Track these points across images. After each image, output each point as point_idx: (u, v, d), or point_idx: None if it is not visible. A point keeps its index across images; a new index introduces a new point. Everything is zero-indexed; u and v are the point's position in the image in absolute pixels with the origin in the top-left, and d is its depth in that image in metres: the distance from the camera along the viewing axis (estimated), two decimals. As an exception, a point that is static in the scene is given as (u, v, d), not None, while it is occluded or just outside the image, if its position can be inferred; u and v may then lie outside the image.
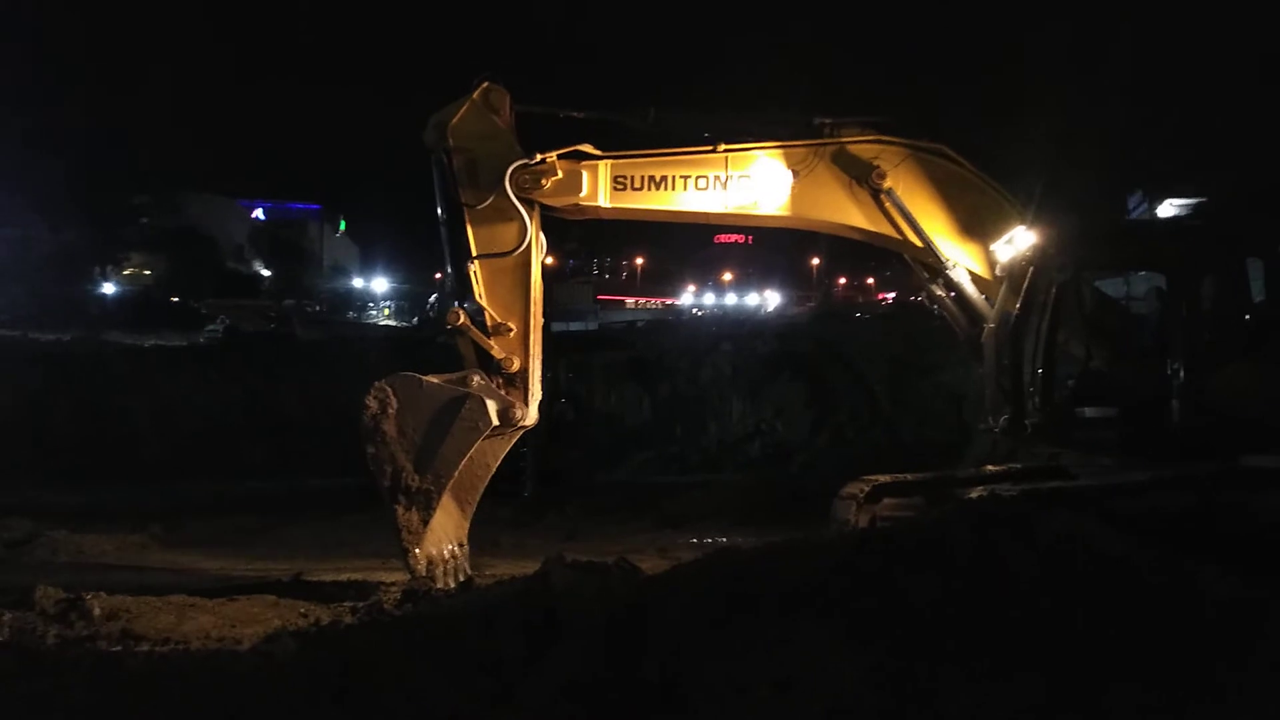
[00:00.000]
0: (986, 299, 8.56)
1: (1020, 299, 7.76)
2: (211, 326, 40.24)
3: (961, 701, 3.46)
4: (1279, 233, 7.82)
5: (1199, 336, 7.57)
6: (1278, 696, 3.39)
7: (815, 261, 72.88)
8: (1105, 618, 3.97)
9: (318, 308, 59.10)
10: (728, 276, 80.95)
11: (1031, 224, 8.15)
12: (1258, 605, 4.14)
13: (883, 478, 7.40)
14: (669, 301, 76.53)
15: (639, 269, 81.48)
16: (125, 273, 56.85)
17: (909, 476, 7.63)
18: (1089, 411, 7.66)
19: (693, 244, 77.58)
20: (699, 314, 61.26)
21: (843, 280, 77.87)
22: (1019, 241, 8.14)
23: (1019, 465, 7.85)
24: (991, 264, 8.61)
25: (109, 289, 51.50)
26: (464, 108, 8.35)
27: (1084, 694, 3.45)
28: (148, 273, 57.34)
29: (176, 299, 49.74)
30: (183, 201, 62.78)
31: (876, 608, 4.10)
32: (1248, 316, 7.82)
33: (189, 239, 58.44)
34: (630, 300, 76.84)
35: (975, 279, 8.67)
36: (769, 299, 71.09)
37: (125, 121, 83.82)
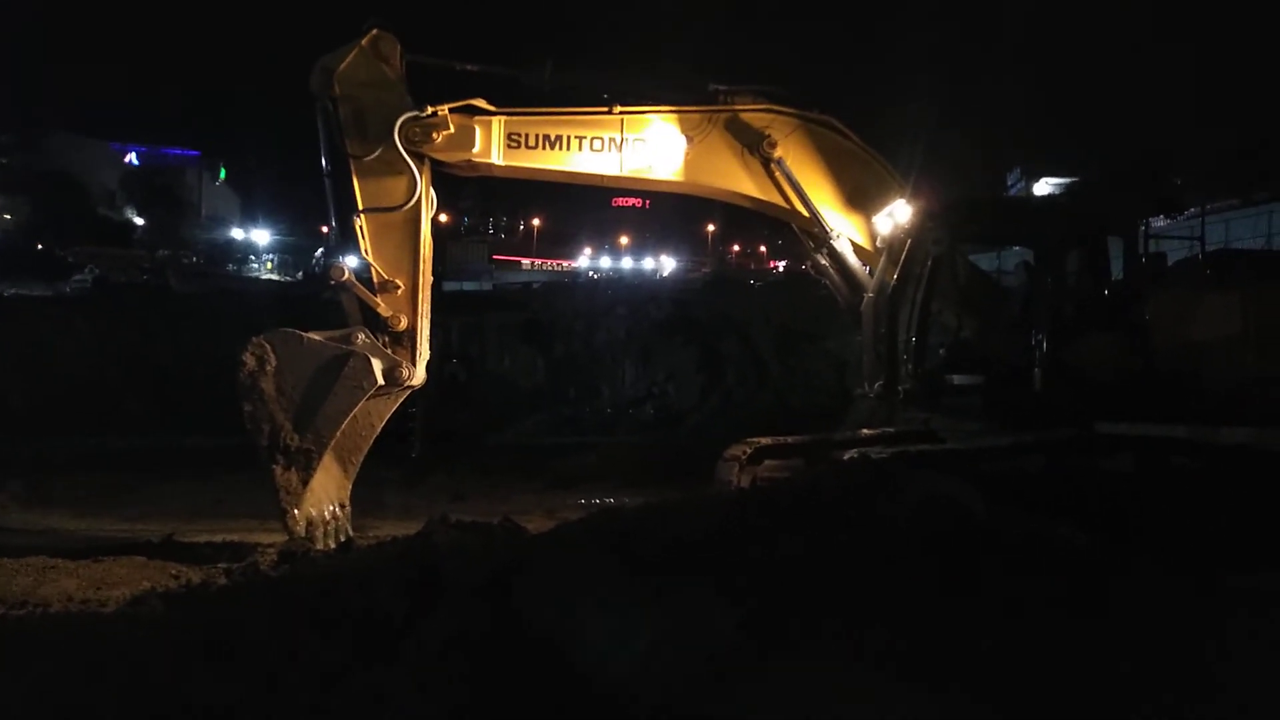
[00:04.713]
0: (867, 269, 8.83)
1: (898, 270, 8.03)
2: (79, 276, 37.89)
3: (832, 650, 3.63)
4: (1137, 213, 8.28)
5: (1062, 309, 8.00)
6: (1121, 639, 3.68)
7: (710, 228, 73.64)
8: (966, 571, 4.22)
9: (195, 259, 56.40)
10: (624, 240, 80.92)
11: (911, 197, 8.43)
12: (1103, 557, 4.48)
13: (764, 440, 7.59)
14: (566, 263, 76.06)
15: (536, 230, 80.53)
16: (-18, 216, 53.15)
17: (789, 439, 7.87)
18: (958, 378, 8.01)
19: (590, 206, 77.08)
20: (595, 277, 61.14)
21: (736, 247, 78.96)
22: (898, 214, 8.41)
23: (892, 429, 8.17)
24: (873, 235, 8.88)
25: (-37, 233, 48.08)
26: (352, 54, 8.07)
27: (947, 640, 3.66)
28: (8, 217, 53.67)
29: (40, 246, 46.67)
30: (48, 142, 58.87)
31: (754, 562, 4.24)
32: (1106, 291, 8.31)
33: (55, 182, 54.85)
34: (526, 261, 76.02)
35: (857, 249, 8.93)
36: (664, 264, 71.41)
37: (-19, 53, 77.73)
